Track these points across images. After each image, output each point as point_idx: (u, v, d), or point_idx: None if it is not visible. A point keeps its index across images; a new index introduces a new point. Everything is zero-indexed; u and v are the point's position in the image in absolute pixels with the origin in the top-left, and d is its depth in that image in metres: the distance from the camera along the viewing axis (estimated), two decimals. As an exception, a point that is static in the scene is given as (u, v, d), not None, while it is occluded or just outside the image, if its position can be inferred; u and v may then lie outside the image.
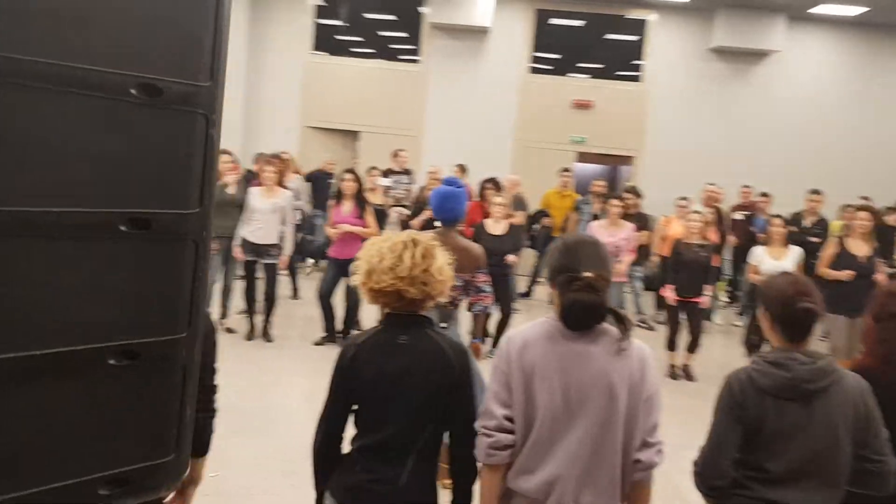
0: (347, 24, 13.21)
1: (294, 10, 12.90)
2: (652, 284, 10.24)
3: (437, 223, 4.60)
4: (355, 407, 2.45)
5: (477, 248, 4.52)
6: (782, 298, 2.51)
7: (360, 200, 7.22)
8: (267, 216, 7.19)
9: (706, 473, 2.50)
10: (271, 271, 7.35)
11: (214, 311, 7.52)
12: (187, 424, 1.26)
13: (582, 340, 2.26)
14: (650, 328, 9.49)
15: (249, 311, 7.49)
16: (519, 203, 9.56)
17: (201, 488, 4.36)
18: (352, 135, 13.25)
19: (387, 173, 10.77)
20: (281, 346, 7.41)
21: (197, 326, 1.26)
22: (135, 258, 1.17)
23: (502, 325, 7.48)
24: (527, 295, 10.81)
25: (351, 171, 7.41)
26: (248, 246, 7.22)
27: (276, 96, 13.07)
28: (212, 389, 2.54)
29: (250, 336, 7.47)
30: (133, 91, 1.12)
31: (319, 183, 10.76)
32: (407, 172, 11.18)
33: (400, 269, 2.30)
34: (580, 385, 2.23)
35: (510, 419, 2.28)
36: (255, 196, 7.22)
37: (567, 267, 2.29)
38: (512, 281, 7.91)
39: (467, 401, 2.42)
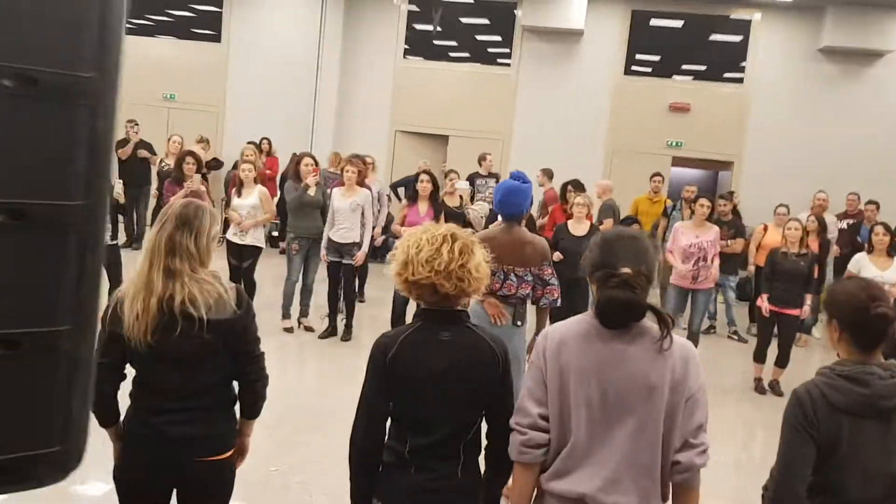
0: (439, 29, 13.25)
1: (387, 17, 13.05)
2: (746, 295, 9.81)
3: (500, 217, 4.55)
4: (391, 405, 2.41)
5: (541, 241, 4.55)
6: (854, 304, 2.33)
7: (435, 202, 7.19)
8: (347, 215, 7.26)
9: (780, 497, 2.33)
10: (350, 271, 7.42)
11: (294, 310, 7.67)
12: (76, 417, 1.25)
13: (620, 339, 2.16)
14: (742, 340, 9.05)
15: (332, 310, 7.57)
16: (608, 210, 9.32)
17: (260, 483, 4.41)
18: (442, 139, 13.28)
19: (472, 177, 10.73)
20: (357, 345, 7.47)
21: (86, 319, 1.25)
22: (8, 249, 1.16)
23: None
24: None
25: (426, 172, 7.39)
26: (332, 245, 7.31)
27: (368, 101, 13.25)
28: (257, 358, 2.65)
29: (328, 335, 7.55)
30: (6, 82, 1.11)
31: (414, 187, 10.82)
32: (493, 176, 11.10)
33: (437, 262, 2.26)
34: (618, 386, 2.14)
35: (545, 417, 2.21)
36: (336, 196, 7.30)
37: (604, 263, 2.20)
38: (587, 289, 7.69)
39: (509, 394, 2.39)
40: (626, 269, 2.14)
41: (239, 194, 7.39)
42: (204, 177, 11.63)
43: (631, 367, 2.14)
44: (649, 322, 2.18)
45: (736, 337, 9.14)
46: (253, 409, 2.71)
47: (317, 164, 7.56)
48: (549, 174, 11.08)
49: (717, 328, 9.42)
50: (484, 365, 2.33)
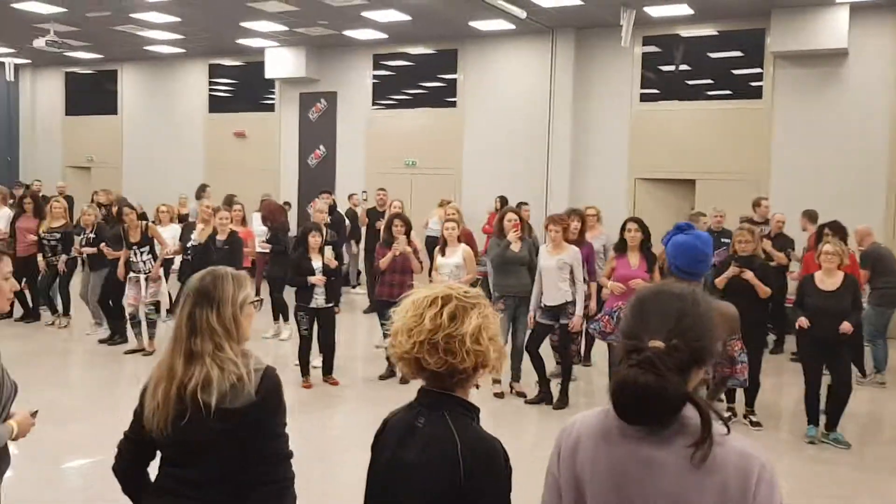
0: (682, 68, 12.34)
1: (618, 62, 12.40)
2: None
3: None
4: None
5: (728, 308, 3.61)
6: None
7: (647, 251, 6.41)
8: (554, 274, 6.74)
9: None
10: (564, 333, 6.84)
11: (505, 373, 7.22)
12: None
13: (647, 441, 1.56)
14: None
15: (539, 375, 7.01)
16: (866, 258, 7.82)
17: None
18: (688, 184, 12.22)
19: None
20: (574, 413, 6.80)
21: None
22: None
23: (837, 407, 6.00)
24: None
25: (635, 220, 6.65)
26: (545, 308, 6.83)
27: (604, 150, 12.63)
28: (272, 460, 2.21)
29: (539, 401, 6.98)
30: None
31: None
32: (767, 223, 9.81)
33: (418, 330, 1.81)
34: None
35: None
36: (542, 254, 6.84)
37: (630, 332, 1.61)
38: (848, 351, 6.32)
39: None
40: (654, 342, 1.53)
41: (443, 253, 7.20)
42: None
43: (659, 482, 1.53)
44: (690, 411, 1.53)
45: None
46: None
47: (521, 218, 7.13)
48: (812, 217, 9.65)
49: None
50: (443, 469, 1.80)
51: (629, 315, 1.64)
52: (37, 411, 2.67)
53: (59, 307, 9.78)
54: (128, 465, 2.33)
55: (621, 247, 6.60)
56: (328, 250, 7.42)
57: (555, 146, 12.70)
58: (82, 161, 18.37)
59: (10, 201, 11.22)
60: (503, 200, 12.37)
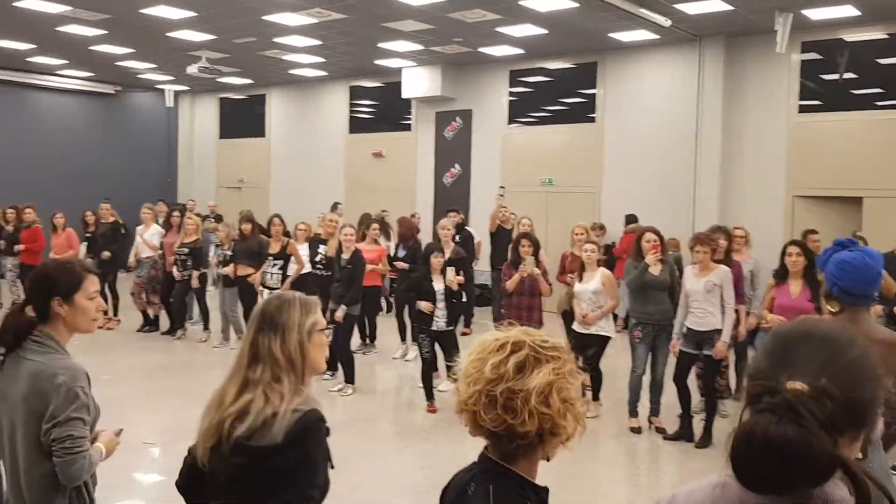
0: (842, 76, 11.26)
1: (774, 72, 11.46)
2: None
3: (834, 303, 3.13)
4: None
5: (893, 336, 2.98)
6: None
7: (810, 278, 5.70)
8: (702, 297, 6.17)
9: None
10: (709, 364, 6.22)
11: (643, 406, 6.66)
12: None
13: None
14: None
15: (683, 409, 6.42)
16: None
17: None
18: (854, 202, 11.08)
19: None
20: (716, 455, 6.14)
21: None
22: None
23: None
24: None
25: (797, 243, 5.92)
26: (689, 334, 6.28)
27: (757, 167, 11.69)
28: None
29: (678, 437, 6.39)
30: None
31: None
32: None
33: (476, 377, 1.52)
34: None
35: None
36: (688, 276, 6.28)
37: (763, 371, 1.24)
38: None
39: None
40: (795, 384, 1.16)
41: (581, 278, 6.74)
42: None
43: None
44: (841, 491, 1.13)
45: None
46: None
47: (661, 238, 6.57)
48: None
49: None
50: None
51: (762, 354, 1.27)
52: (121, 430, 2.62)
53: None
54: (185, 484, 2.18)
55: (782, 273, 5.89)
56: (450, 271, 7.16)
57: (702, 162, 11.90)
58: (234, 182, 19.23)
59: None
60: (631, 219, 11.73)
